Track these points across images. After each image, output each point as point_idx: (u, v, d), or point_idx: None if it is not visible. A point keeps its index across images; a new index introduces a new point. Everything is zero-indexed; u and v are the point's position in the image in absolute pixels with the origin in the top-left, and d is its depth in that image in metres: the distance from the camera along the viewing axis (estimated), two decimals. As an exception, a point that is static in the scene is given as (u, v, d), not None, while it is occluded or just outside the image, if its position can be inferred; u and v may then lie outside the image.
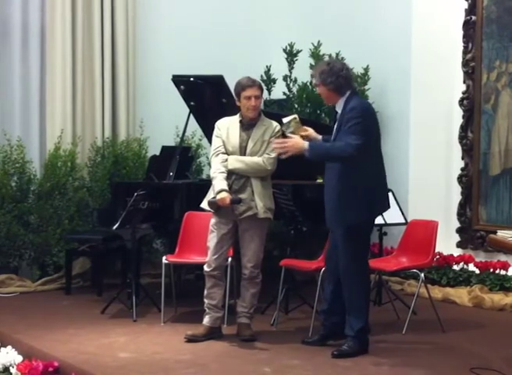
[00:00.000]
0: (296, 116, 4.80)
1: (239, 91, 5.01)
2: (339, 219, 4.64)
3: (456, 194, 6.97)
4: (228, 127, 5.07)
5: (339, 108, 4.71)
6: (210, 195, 5.05)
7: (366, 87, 7.49)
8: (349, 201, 4.60)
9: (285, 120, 4.75)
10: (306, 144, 4.59)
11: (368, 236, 4.82)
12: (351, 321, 4.70)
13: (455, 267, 6.75)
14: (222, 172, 4.96)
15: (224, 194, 4.87)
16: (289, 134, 4.70)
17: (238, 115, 5.10)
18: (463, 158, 6.93)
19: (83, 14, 7.38)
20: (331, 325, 4.87)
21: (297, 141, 4.62)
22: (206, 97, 6.49)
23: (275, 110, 7.48)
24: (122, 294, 5.84)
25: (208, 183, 5.26)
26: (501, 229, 4.93)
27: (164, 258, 5.62)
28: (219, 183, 4.92)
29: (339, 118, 4.67)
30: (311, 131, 4.77)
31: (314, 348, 4.80)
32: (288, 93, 7.76)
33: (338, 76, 4.64)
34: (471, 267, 6.68)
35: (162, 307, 5.60)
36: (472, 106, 6.83)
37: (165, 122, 7.58)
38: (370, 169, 4.67)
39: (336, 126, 4.71)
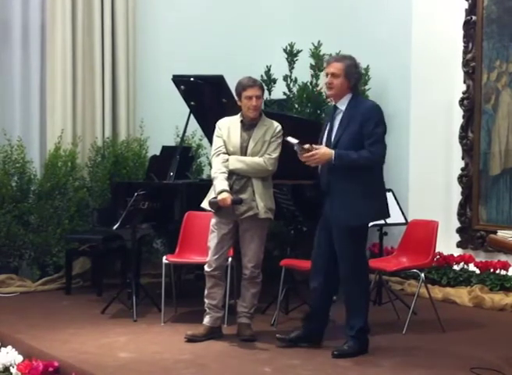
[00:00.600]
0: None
1: (240, 91, 5.01)
2: (350, 218, 4.58)
3: (456, 194, 6.97)
4: (229, 127, 5.07)
5: (342, 105, 4.69)
6: (211, 195, 5.04)
7: (366, 87, 7.48)
8: (363, 200, 4.59)
9: (293, 140, 4.62)
10: (333, 153, 4.52)
11: (367, 235, 4.82)
12: (351, 321, 4.71)
13: (455, 267, 6.74)
14: (223, 172, 4.96)
15: (225, 195, 4.87)
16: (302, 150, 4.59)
17: (239, 115, 5.10)
18: (463, 158, 6.93)
19: (84, 14, 7.38)
20: (311, 329, 4.86)
21: (325, 152, 4.54)
22: (206, 97, 6.49)
23: (276, 110, 7.48)
24: (122, 294, 5.84)
25: (208, 183, 5.26)
26: (501, 229, 4.94)
27: (164, 258, 5.62)
28: (220, 183, 4.92)
29: (345, 115, 4.65)
30: (321, 148, 4.60)
31: (314, 348, 4.79)
32: (288, 93, 7.75)
33: (359, 74, 4.78)
34: (472, 267, 6.67)
35: (162, 307, 5.60)
36: (472, 106, 6.83)
37: (165, 122, 7.58)
38: (379, 170, 4.72)
39: (338, 124, 4.66)
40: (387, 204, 4.80)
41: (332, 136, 4.68)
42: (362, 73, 4.80)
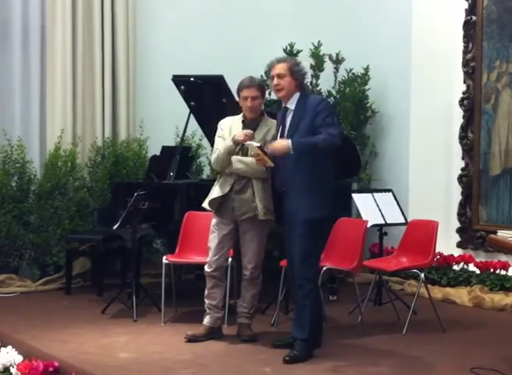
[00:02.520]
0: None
1: (238, 91, 5.01)
2: (313, 211, 4.60)
3: (456, 194, 6.97)
4: (230, 127, 5.06)
5: (292, 105, 4.73)
6: (212, 195, 5.05)
7: (366, 87, 7.49)
8: (321, 194, 4.64)
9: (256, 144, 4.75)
10: (289, 143, 4.54)
11: (324, 233, 4.90)
12: (302, 323, 4.65)
13: (455, 267, 6.75)
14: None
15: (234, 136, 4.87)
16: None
17: (241, 115, 5.09)
18: (463, 158, 6.93)
19: (84, 14, 7.38)
20: None
21: (280, 144, 4.58)
22: (206, 97, 6.49)
23: (276, 110, 7.47)
24: (122, 294, 5.84)
25: (208, 183, 5.26)
26: (501, 229, 4.95)
27: (164, 258, 5.62)
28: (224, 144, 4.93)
29: (295, 114, 4.68)
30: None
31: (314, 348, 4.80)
32: (288, 93, 7.74)
33: (304, 72, 4.83)
34: (472, 267, 6.68)
35: (162, 307, 5.60)
36: (472, 106, 6.83)
37: (165, 122, 7.58)
38: (330, 170, 4.77)
39: (289, 124, 4.70)
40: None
41: (284, 135, 4.70)
42: (306, 71, 4.86)
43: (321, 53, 7.69)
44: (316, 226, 4.66)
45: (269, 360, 4.58)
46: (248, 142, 4.81)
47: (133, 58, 7.72)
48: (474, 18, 6.79)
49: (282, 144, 4.57)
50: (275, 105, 7.67)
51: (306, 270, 4.62)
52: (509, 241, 4.24)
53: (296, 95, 4.74)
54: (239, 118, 5.09)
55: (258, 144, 4.69)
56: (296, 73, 4.71)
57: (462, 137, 6.92)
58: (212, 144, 5.36)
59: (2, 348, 4.83)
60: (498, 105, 6.67)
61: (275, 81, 4.72)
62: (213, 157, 5.05)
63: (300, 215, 4.61)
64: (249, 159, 4.96)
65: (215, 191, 5.04)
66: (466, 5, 6.85)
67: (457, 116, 6.94)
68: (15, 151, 6.97)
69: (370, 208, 6.19)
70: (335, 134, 4.58)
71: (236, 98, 5.12)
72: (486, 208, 6.76)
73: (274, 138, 4.88)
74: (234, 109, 5.21)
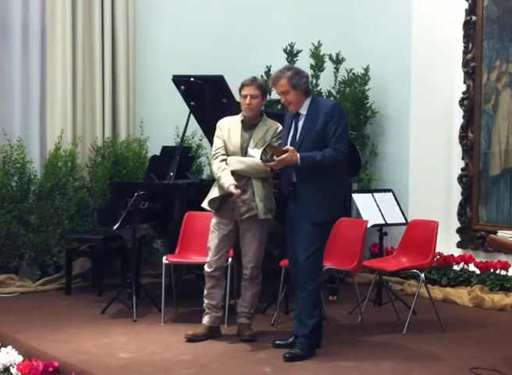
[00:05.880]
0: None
1: (239, 90, 5.01)
2: (321, 213, 4.62)
3: (456, 194, 6.97)
4: (229, 127, 5.05)
5: (303, 111, 4.73)
6: (211, 195, 5.04)
7: (366, 87, 7.49)
8: (332, 196, 4.66)
9: (258, 152, 4.68)
10: (298, 158, 4.58)
11: (328, 235, 4.88)
12: (305, 320, 4.66)
13: (455, 267, 6.75)
14: (225, 168, 4.95)
15: (232, 188, 4.84)
16: (270, 160, 4.63)
17: (240, 114, 5.07)
18: (463, 159, 6.93)
19: (84, 14, 7.38)
20: None
21: (290, 158, 4.58)
22: (206, 97, 6.48)
23: (276, 110, 7.47)
24: (122, 294, 5.84)
25: (208, 183, 5.26)
26: (501, 229, 4.94)
27: (164, 258, 5.62)
28: (227, 178, 4.88)
29: (307, 118, 4.68)
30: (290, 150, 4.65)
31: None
32: (288, 93, 7.74)
33: (306, 77, 4.76)
34: (472, 267, 6.68)
35: (163, 307, 5.60)
36: (472, 106, 6.83)
37: (165, 122, 7.58)
38: (343, 167, 4.79)
39: (301, 127, 4.71)
40: (346, 202, 4.88)
41: (296, 138, 4.72)
42: (307, 75, 4.80)
43: (321, 53, 7.70)
44: (325, 227, 4.71)
45: (269, 360, 4.58)
46: (254, 152, 4.79)
47: (133, 59, 7.71)
48: (474, 18, 6.79)
49: (292, 159, 4.57)
50: (275, 105, 7.69)
51: (311, 269, 4.63)
52: (509, 241, 4.24)
53: (307, 101, 4.73)
54: (238, 118, 5.08)
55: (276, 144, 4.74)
56: (297, 83, 4.66)
57: (462, 137, 6.92)
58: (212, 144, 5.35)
59: (2, 348, 4.83)
60: (498, 105, 6.68)
61: (282, 99, 4.73)
62: (214, 167, 5.00)
63: (310, 216, 4.62)
64: (248, 159, 4.96)
65: (215, 191, 5.04)
66: (466, 5, 6.85)
67: (457, 116, 6.95)
68: (15, 151, 6.97)
69: (370, 208, 6.20)
70: (343, 151, 4.63)
71: (237, 98, 5.12)
72: (486, 209, 6.76)
73: (278, 139, 4.92)
74: (234, 109, 5.21)
